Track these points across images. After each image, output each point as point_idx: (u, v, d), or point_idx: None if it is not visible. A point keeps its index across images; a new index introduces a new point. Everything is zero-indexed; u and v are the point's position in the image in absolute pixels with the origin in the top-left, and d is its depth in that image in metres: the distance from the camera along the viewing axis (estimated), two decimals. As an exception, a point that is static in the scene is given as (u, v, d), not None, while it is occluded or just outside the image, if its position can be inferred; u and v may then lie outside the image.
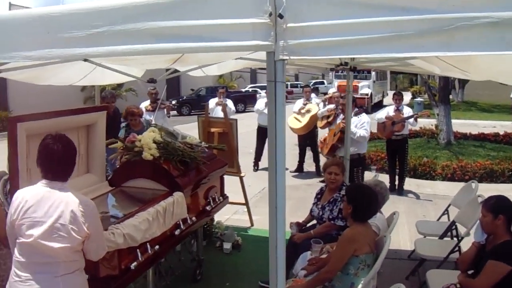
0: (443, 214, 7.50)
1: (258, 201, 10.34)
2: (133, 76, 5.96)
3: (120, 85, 29.58)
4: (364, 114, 9.31)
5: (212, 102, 13.45)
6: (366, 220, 4.80)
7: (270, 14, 2.69)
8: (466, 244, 5.45)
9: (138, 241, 4.40)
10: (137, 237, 4.38)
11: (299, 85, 53.48)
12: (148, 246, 4.63)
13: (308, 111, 12.67)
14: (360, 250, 4.58)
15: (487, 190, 9.46)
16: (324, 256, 5.31)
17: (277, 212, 3.14)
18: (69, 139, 3.68)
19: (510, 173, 12.61)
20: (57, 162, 3.50)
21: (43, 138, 3.61)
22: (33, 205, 3.42)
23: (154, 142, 5.64)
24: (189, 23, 2.79)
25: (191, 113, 35.50)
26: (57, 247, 3.38)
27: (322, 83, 62.61)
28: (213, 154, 6.62)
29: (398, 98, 11.53)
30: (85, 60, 4.89)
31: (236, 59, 5.76)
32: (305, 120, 12.61)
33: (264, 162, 13.92)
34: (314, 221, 6.46)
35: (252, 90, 45.09)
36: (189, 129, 6.47)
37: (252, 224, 8.82)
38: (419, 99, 32.64)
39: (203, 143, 6.53)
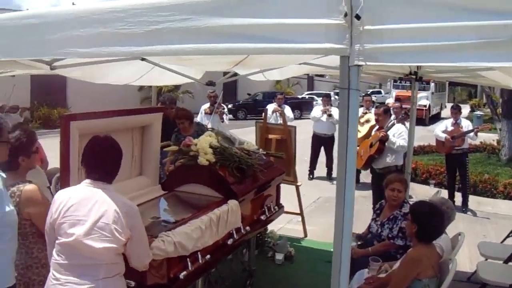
0: (507, 236, 7.10)
1: (312, 211, 10.12)
2: (191, 78, 5.79)
3: (177, 87, 29.79)
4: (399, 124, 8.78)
5: (270, 108, 13.28)
6: (431, 241, 4.51)
7: (346, 15, 2.47)
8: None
9: (189, 250, 4.20)
10: (188, 246, 4.18)
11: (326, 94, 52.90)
12: (199, 255, 4.43)
13: (368, 120, 12.37)
14: (424, 274, 4.31)
15: None
16: (382, 275, 5.05)
17: (343, 225, 2.88)
18: (114, 140, 3.59)
19: None
20: (101, 163, 3.43)
21: (90, 139, 3.54)
22: (75, 204, 3.32)
23: (211, 147, 5.45)
24: (256, 21, 2.59)
25: (247, 118, 35.48)
26: (100, 247, 3.25)
27: (380, 92, 61.80)
28: (270, 162, 6.40)
29: (455, 111, 11.17)
30: (143, 59, 4.74)
31: (300, 64, 5.52)
32: (364, 130, 12.27)
33: (319, 171, 13.68)
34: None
35: (308, 97, 44.79)
36: (244, 133, 6.29)
37: (306, 235, 8.58)
38: (478, 112, 31.70)
39: (260, 150, 6.32)
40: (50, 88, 27.20)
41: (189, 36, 2.69)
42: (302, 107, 38.41)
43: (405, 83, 36.84)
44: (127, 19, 2.81)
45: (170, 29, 2.72)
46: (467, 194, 11.04)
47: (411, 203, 5.88)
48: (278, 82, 44.89)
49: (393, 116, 11.28)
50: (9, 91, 11.49)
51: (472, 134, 10.70)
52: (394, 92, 35.33)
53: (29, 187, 3.83)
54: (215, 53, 2.67)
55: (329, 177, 13.65)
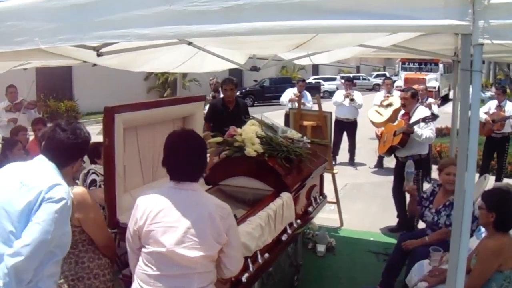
0: None
1: (342, 198, 9.66)
2: (236, 63, 5.45)
3: (184, 75, 29.40)
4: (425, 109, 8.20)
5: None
6: (509, 230, 4.17)
7: None
8: None
9: (252, 250, 3.88)
10: (252, 246, 3.86)
11: (361, 77, 52.54)
12: (259, 254, 4.09)
13: (391, 104, 12.05)
14: (506, 265, 3.99)
15: None
16: (445, 266, 4.71)
17: (462, 225, 2.46)
18: (196, 134, 3.25)
19: None
20: (185, 161, 3.04)
21: (169, 136, 3.16)
22: (164, 209, 2.95)
23: (257, 136, 5.10)
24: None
25: (254, 105, 35.05)
26: (195, 256, 2.90)
27: (384, 75, 61.40)
28: (314, 150, 6.04)
29: (500, 93, 10.73)
30: (189, 43, 4.37)
31: (357, 46, 5.14)
32: (387, 113, 11.98)
33: (341, 157, 13.33)
34: (423, 225, 5.94)
35: (315, 81, 44.43)
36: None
37: (342, 224, 8.26)
38: (488, 93, 31.28)
39: (305, 137, 5.96)
40: (56, 81, 26.69)
41: (278, 12, 2.33)
42: (310, 92, 37.95)
43: (414, 64, 36.54)
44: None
45: (254, 5, 2.35)
46: (502, 179, 10.65)
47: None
48: (283, 67, 44.51)
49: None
50: (28, 85, 11.11)
51: None
52: (403, 74, 34.86)
53: (78, 190, 3.34)
54: (310, 31, 2.33)
55: (351, 162, 13.30)
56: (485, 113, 10.50)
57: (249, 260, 3.91)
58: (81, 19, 2.67)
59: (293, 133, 5.85)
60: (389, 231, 7.97)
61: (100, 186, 4.99)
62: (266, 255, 4.22)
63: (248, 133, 5.08)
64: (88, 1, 2.65)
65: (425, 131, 7.26)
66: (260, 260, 4.09)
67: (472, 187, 2.47)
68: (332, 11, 2.27)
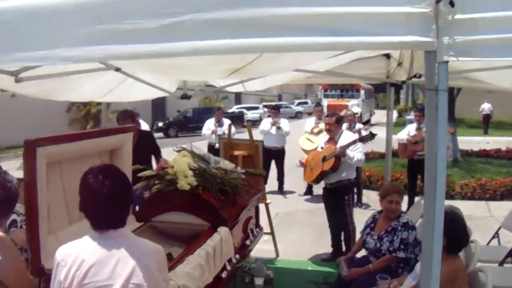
0: (493, 237, 6.80)
1: (275, 228, 9.47)
2: (165, 91, 5.17)
3: (109, 105, 28.71)
4: (350, 133, 8.15)
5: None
6: (460, 251, 4.07)
7: (437, 1, 2.04)
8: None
9: (193, 293, 3.58)
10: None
11: (283, 105, 53.07)
12: (200, 295, 3.80)
13: (322, 131, 11.97)
14: (460, 289, 3.85)
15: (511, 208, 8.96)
16: (393, 294, 4.58)
17: (433, 253, 2.29)
18: (116, 170, 2.82)
19: (532, 190, 12.05)
20: (112, 207, 2.62)
21: (84, 175, 2.71)
22: (94, 265, 2.52)
23: (190, 168, 4.82)
24: (318, 10, 2.06)
25: (178, 135, 34.76)
26: None
27: (306, 103, 62.50)
28: (247, 180, 5.80)
29: (420, 115, 10.86)
30: (117, 70, 4.07)
31: (293, 71, 4.97)
32: (318, 141, 11.85)
33: (269, 185, 13.15)
34: (363, 252, 5.80)
35: (238, 111, 44.50)
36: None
37: (277, 255, 8.01)
38: (410, 116, 32.18)
39: (238, 168, 5.72)
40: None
41: (226, 29, 2.09)
42: (233, 121, 37.94)
43: (336, 91, 37.30)
44: (134, 10, 2.16)
45: (197, 21, 2.10)
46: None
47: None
48: (206, 97, 44.38)
49: (345, 125, 10.97)
50: None
51: None
52: (326, 101, 35.47)
53: None
54: (263, 50, 2.10)
55: (280, 190, 13.13)
56: (406, 135, 10.58)
57: (189, 302, 3.61)
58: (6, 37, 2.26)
59: (226, 164, 5.62)
60: (323, 260, 7.80)
61: (21, 226, 4.54)
62: (207, 295, 3.94)
63: (180, 165, 4.80)
64: (3, 18, 2.27)
65: (356, 154, 7.17)
66: (201, 302, 3.80)
67: (441, 214, 2.31)
68: (284, 28, 2.06)
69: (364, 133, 10.89)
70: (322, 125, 12.01)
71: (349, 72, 5.99)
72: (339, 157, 7.11)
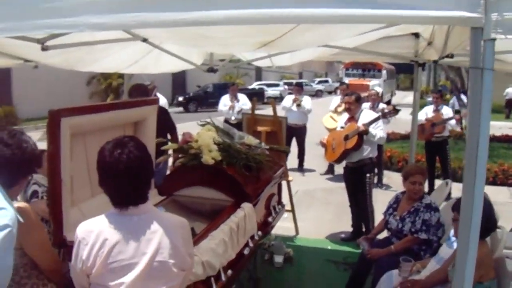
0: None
1: (294, 205, 9.50)
2: (192, 63, 5.08)
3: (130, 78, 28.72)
4: (370, 111, 8.18)
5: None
6: (486, 237, 3.97)
7: None
8: None
9: (216, 268, 3.53)
10: (216, 264, 3.50)
11: (304, 83, 52.80)
12: (222, 272, 3.74)
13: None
14: (486, 276, 3.79)
15: None
16: (416, 276, 4.54)
17: (470, 233, 2.29)
18: (138, 143, 2.67)
19: (556, 176, 11.87)
20: (131, 182, 2.52)
21: (102, 149, 2.59)
22: (117, 244, 2.45)
23: (214, 143, 4.75)
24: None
25: (198, 110, 34.67)
26: None
27: (327, 81, 62.13)
28: (271, 157, 5.72)
29: (437, 97, 10.76)
30: (144, 40, 3.99)
31: (320, 46, 4.87)
32: (341, 119, 11.75)
33: (290, 162, 13.09)
34: (385, 234, 5.74)
35: (258, 87, 44.32)
36: (196, 126, 5.51)
37: (297, 232, 7.99)
38: (431, 98, 31.89)
39: (263, 144, 5.65)
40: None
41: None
42: (253, 98, 37.81)
43: (357, 70, 37.01)
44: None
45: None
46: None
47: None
48: (227, 73, 44.23)
49: (369, 104, 10.85)
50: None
51: (454, 121, 10.35)
52: (347, 80, 35.15)
53: (19, 205, 2.76)
54: (301, 20, 2.00)
55: (300, 168, 13.09)
56: (426, 119, 10.48)
57: (212, 279, 3.56)
58: (23, 4, 2.20)
59: (250, 139, 5.53)
60: (342, 240, 7.75)
61: (42, 197, 4.50)
62: (229, 272, 3.89)
63: (205, 140, 4.73)
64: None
65: (378, 131, 7.11)
66: (223, 278, 3.74)
67: (480, 200, 2.22)
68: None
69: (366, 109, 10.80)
70: None
71: (376, 50, 5.85)
72: (362, 135, 7.04)
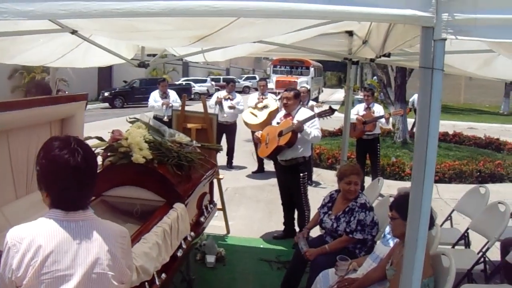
0: (446, 219, 6.84)
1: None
2: (122, 58, 4.86)
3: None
4: (307, 110, 8.03)
5: (155, 95, 12.99)
6: None
7: None
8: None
9: (151, 273, 3.38)
10: (150, 269, 3.36)
11: (233, 79, 52.76)
12: (156, 276, 3.59)
13: (266, 106, 11.82)
14: (425, 274, 3.74)
15: (458, 191, 9.15)
16: (353, 275, 4.54)
17: (419, 232, 2.24)
18: (85, 144, 2.45)
19: (478, 173, 12.40)
20: (79, 185, 2.32)
21: (48, 147, 2.33)
22: (52, 253, 2.20)
23: (145, 141, 4.58)
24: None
25: (124, 106, 34.03)
26: None
27: (254, 78, 62.29)
28: (203, 155, 5.58)
29: (368, 95, 10.93)
30: (73, 32, 3.77)
31: (255, 42, 4.76)
32: (262, 116, 11.69)
33: (219, 159, 12.99)
34: (318, 231, 5.77)
35: (185, 83, 44.01)
36: (122, 122, 5.36)
37: (228, 231, 7.89)
38: (359, 96, 32.42)
39: (194, 142, 5.51)
40: None
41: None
42: (180, 94, 37.46)
43: (285, 67, 37.23)
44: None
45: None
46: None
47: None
48: (154, 69, 43.66)
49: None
50: None
51: (383, 120, 10.53)
52: (275, 77, 35.37)
53: None
54: (249, 14, 1.88)
55: (230, 165, 12.97)
56: (355, 115, 10.61)
57: (146, 284, 3.40)
58: None
59: (181, 137, 5.39)
60: (274, 238, 7.69)
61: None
62: (163, 275, 3.74)
63: (135, 137, 4.54)
64: None
65: (313, 130, 7.02)
66: (157, 282, 3.60)
67: (429, 198, 2.18)
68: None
69: (316, 110, 10.80)
70: (266, 101, 11.90)
71: (311, 47, 5.81)
72: (296, 132, 6.95)
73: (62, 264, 2.20)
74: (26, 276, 2.18)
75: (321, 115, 7.04)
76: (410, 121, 17.99)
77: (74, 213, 2.30)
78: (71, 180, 2.27)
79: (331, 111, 7.09)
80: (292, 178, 7.25)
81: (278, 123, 7.39)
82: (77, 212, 2.31)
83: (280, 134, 7.04)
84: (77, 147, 2.31)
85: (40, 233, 2.22)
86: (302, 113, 7.28)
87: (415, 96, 27.55)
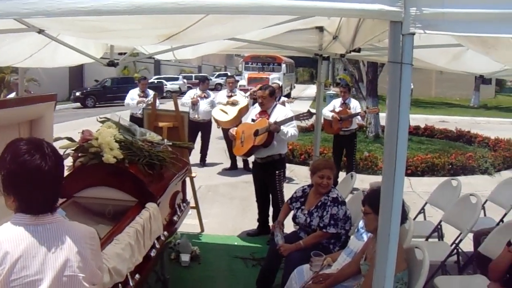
0: (419, 213, 6.88)
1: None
2: (91, 57, 4.78)
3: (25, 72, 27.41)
4: (283, 107, 7.91)
5: (133, 94, 12.88)
6: None
7: None
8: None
9: (124, 274, 3.33)
10: (123, 270, 3.31)
11: (206, 77, 52.65)
12: (129, 277, 3.54)
13: (234, 103, 11.81)
14: (399, 267, 3.77)
15: (431, 184, 9.41)
16: (328, 270, 4.55)
17: (391, 229, 2.27)
18: (55, 148, 2.38)
19: (450, 166, 12.54)
20: (49, 189, 2.26)
21: (15, 150, 2.24)
22: (20, 258, 2.13)
23: (116, 140, 4.52)
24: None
25: (96, 105, 33.73)
26: None
27: (226, 75, 62.26)
28: (174, 153, 5.54)
29: (345, 91, 10.95)
30: (40, 32, 3.70)
31: (229, 39, 4.73)
32: (233, 112, 11.69)
33: (192, 157, 12.94)
34: (292, 226, 5.74)
35: (157, 81, 43.77)
36: (94, 122, 5.31)
37: (202, 230, 7.84)
38: (331, 91, 32.55)
39: (165, 140, 5.47)
40: None
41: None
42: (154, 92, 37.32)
43: (257, 64, 37.28)
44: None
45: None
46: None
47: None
48: (125, 67, 43.32)
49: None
50: None
51: (359, 117, 10.59)
52: (247, 74, 35.40)
53: None
54: (215, 10, 1.86)
55: (202, 163, 12.91)
56: (331, 111, 10.69)
57: (119, 285, 3.36)
58: None
59: (152, 136, 5.35)
60: (248, 235, 7.67)
61: None
62: (137, 276, 3.71)
63: (106, 137, 4.48)
64: None
65: (290, 129, 6.96)
66: (131, 283, 3.56)
67: (401, 192, 2.18)
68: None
69: (287, 105, 10.82)
70: (235, 97, 11.91)
71: (281, 43, 5.80)
72: (272, 132, 6.91)
73: (31, 269, 2.14)
74: None
75: (299, 117, 6.98)
76: (382, 115, 18.09)
77: (42, 216, 2.24)
78: (41, 185, 2.22)
79: (310, 114, 7.02)
80: (268, 175, 7.25)
81: (253, 120, 7.33)
82: (45, 215, 2.25)
83: (256, 134, 6.99)
84: (45, 152, 2.25)
85: (6, 239, 2.15)
86: (278, 111, 7.25)
87: None
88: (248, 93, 12.62)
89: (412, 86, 16.65)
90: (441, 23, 2.02)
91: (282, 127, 6.85)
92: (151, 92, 12.71)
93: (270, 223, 7.56)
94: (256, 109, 7.57)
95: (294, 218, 5.49)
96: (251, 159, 8.27)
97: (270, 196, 7.39)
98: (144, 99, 12.48)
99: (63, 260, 2.22)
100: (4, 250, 2.11)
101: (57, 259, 2.20)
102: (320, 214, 5.18)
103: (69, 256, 2.24)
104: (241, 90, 13.02)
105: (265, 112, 7.26)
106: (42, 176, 2.20)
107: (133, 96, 12.76)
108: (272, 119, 7.01)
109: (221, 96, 12.35)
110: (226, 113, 11.78)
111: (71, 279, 2.24)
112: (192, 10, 1.90)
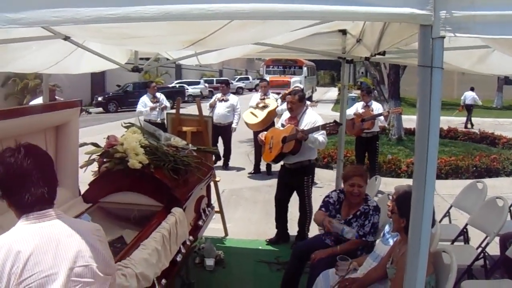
0: (444, 216, 6.78)
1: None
2: (116, 63, 4.81)
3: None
4: (314, 113, 7.54)
5: (145, 100, 12.88)
6: None
7: None
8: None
9: (151, 280, 3.34)
10: (150, 275, 3.32)
11: (227, 81, 52.75)
12: (156, 283, 3.55)
13: (266, 106, 11.79)
14: (426, 272, 3.73)
15: (455, 187, 9.35)
16: (354, 275, 4.50)
17: (422, 232, 2.20)
18: (37, 146, 2.46)
19: (474, 168, 12.43)
20: (38, 184, 2.30)
21: (3, 162, 2.30)
22: (32, 255, 2.16)
23: (141, 146, 4.54)
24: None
25: (118, 110, 33.94)
26: None
27: (247, 78, 62.37)
28: (199, 158, 5.54)
29: (365, 94, 10.95)
30: (65, 39, 3.73)
31: (255, 44, 4.72)
32: (262, 115, 11.69)
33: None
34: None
35: (179, 86, 43.95)
36: (117, 127, 5.34)
37: (226, 234, 7.83)
38: (353, 94, 32.40)
39: (190, 145, 5.47)
40: None
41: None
42: (174, 96, 37.47)
43: (278, 67, 37.21)
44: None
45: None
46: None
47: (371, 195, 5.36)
48: (146, 72, 43.53)
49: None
50: None
51: (382, 117, 10.51)
52: (268, 77, 35.28)
53: None
54: (244, 16, 1.85)
55: (226, 167, 12.93)
56: (354, 113, 10.63)
57: (146, 290, 3.37)
58: None
59: (177, 141, 5.36)
60: (269, 243, 7.59)
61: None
62: (163, 281, 3.71)
63: (131, 142, 4.51)
64: None
65: (319, 137, 6.81)
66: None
67: (432, 197, 2.15)
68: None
69: (311, 109, 10.75)
70: (267, 101, 11.87)
71: (304, 47, 5.79)
72: (300, 141, 6.81)
73: (44, 264, 2.17)
74: (10, 286, 2.12)
75: (325, 127, 6.87)
76: (405, 118, 17.97)
77: (44, 213, 2.29)
78: (26, 184, 2.28)
79: (336, 125, 6.88)
80: (296, 181, 7.19)
81: (283, 125, 7.27)
82: (48, 212, 2.30)
83: (284, 141, 6.92)
84: (26, 154, 2.30)
85: (16, 240, 2.18)
86: (308, 117, 7.13)
87: (466, 94, 27.68)
88: (281, 95, 12.58)
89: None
90: (472, 25, 1.99)
91: (310, 135, 6.77)
92: (162, 96, 12.73)
93: (289, 230, 7.50)
94: (286, 113, 7.50)
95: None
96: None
97: (298, 201, 7.29)
98: (156, 104, 12.49)
99: (74, 251, 2.25)
100: (16, 250, 2.14)
101: (68, 251, 2.23)
102: (360, 223, 5.10)
103: (80, 247, 2.27)
104: (273, 93, 12.92)
105: (294, 118, 7.16)
106: (28, 171, 2.27)
107: (145, 103, 12.75)
108: (301, 126, 6.93)
109: (254, 99, 12.35)
110: (256, 116, 11.80)
111: (85, 269, 2.26)
112: (220, 16, 1.90)
